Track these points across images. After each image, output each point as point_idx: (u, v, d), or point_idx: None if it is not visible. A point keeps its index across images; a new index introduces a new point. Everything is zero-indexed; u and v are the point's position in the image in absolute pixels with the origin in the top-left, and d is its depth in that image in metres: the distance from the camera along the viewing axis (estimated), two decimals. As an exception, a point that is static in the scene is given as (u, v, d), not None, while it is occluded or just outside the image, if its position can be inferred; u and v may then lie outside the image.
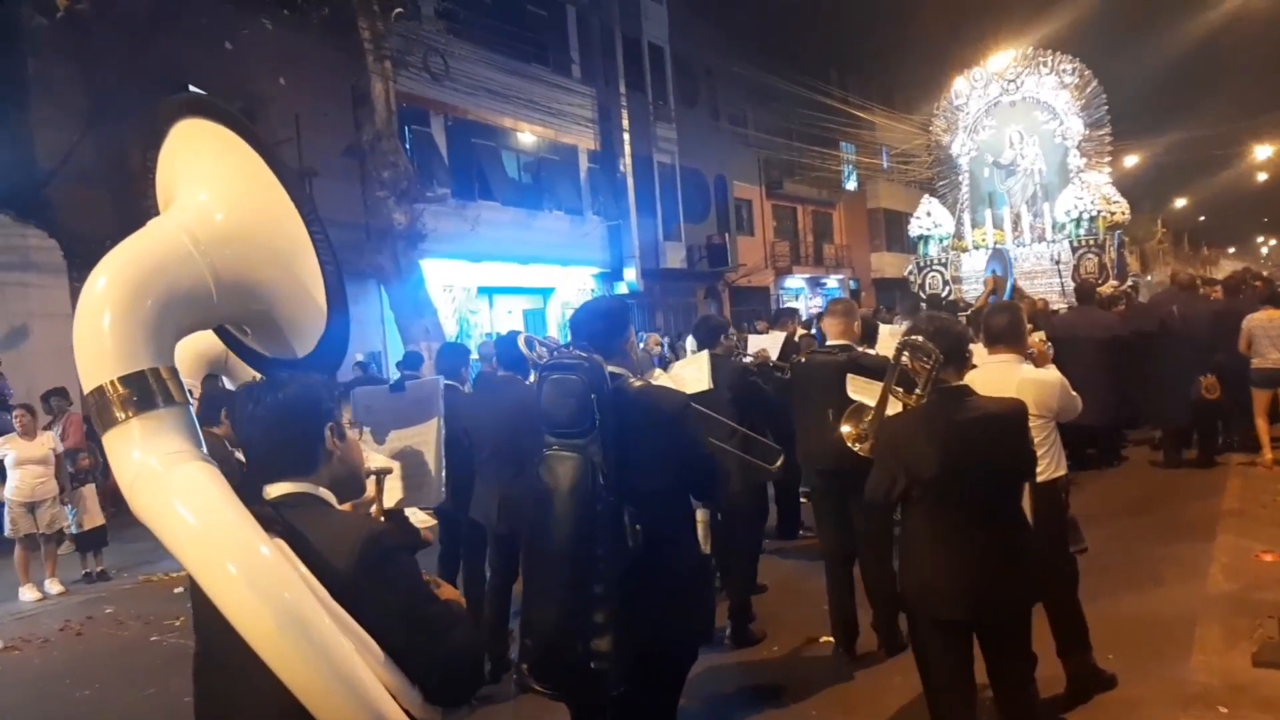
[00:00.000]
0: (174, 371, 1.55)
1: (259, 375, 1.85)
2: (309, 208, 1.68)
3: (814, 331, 7.96)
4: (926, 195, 16.06)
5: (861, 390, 3.64)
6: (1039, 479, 3.40)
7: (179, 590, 7.07)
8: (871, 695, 4.26)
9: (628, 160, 23.84)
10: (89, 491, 8.43)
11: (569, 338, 2.89)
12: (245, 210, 1.66)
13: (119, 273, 1.52)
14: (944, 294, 14.30)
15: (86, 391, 1.48)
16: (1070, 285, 12.69)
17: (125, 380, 1.47)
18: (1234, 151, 33.25)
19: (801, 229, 34.42)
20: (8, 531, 7.90)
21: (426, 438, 3.27)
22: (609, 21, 23.46)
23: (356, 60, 13.80)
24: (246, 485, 1.66)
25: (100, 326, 1.48)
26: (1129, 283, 13.63)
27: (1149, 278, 23.30)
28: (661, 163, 25.09)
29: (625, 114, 23.68)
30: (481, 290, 19.59)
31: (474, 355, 7.10)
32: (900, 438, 2.90)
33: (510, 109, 19.68)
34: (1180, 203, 46.71)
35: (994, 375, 3.45)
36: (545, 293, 21.51)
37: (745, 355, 6.28)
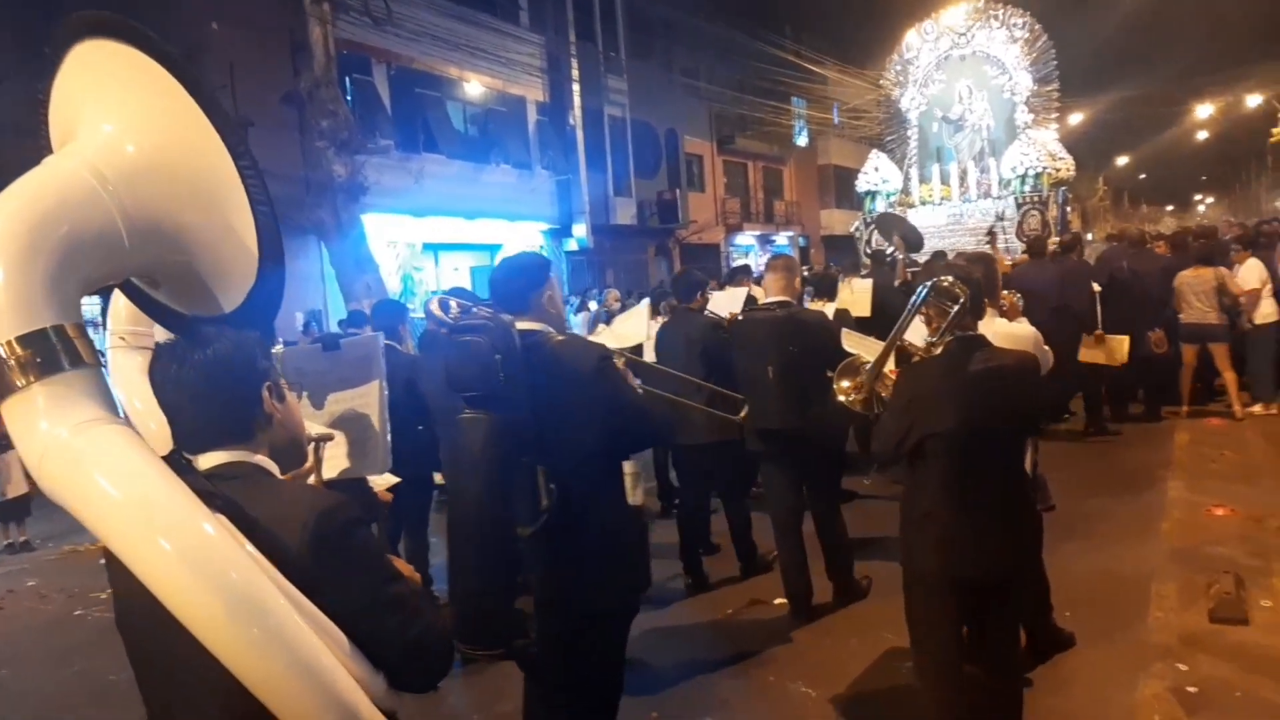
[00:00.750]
0: (81, 329, 1.32)
1: None
2: (236, 139, 1.45)
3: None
4: (875, 150, 15.96)
5: (857, 344, 3.53)
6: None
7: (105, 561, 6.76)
8: (831, 660, 4.21)
9: (577, 113, 23.31)
10: (12, 458, 7.94)
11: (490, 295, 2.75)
12: (161, 141, 1.42)
13: (11, 217, 1.28)
14: (888, 251, 14.27)
15: (-20, 354, 1.25)
16: (1017, 244, 12.77)
17: (24, 340, 1.24)
18: (1176, 110, 33.76)
19: (752, 185, 34.23)
20: (-74, 501, 7.47)
21: (369, 400, 3.04)
22: (558, -34, 22.80)
23: (294, 3, 13.17)
24: (173, 458, 1.47)
25: (-11, 279, 1.24)
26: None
27: (1089, 236, 23.64)
28: (612, 115, 24.57)
29: (575, 64, 23.09)
30: (426, 247, 19.09)
31: (419, 313, 6.85)
32: (920, 387, 2.79)
33: (456, 57, 19.05)
34: (1122, 161, 47.47)
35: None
36: (492, 249, 20.90)
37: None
